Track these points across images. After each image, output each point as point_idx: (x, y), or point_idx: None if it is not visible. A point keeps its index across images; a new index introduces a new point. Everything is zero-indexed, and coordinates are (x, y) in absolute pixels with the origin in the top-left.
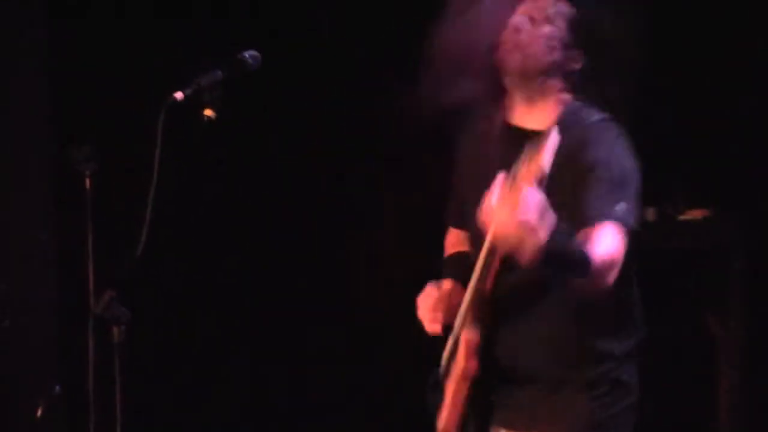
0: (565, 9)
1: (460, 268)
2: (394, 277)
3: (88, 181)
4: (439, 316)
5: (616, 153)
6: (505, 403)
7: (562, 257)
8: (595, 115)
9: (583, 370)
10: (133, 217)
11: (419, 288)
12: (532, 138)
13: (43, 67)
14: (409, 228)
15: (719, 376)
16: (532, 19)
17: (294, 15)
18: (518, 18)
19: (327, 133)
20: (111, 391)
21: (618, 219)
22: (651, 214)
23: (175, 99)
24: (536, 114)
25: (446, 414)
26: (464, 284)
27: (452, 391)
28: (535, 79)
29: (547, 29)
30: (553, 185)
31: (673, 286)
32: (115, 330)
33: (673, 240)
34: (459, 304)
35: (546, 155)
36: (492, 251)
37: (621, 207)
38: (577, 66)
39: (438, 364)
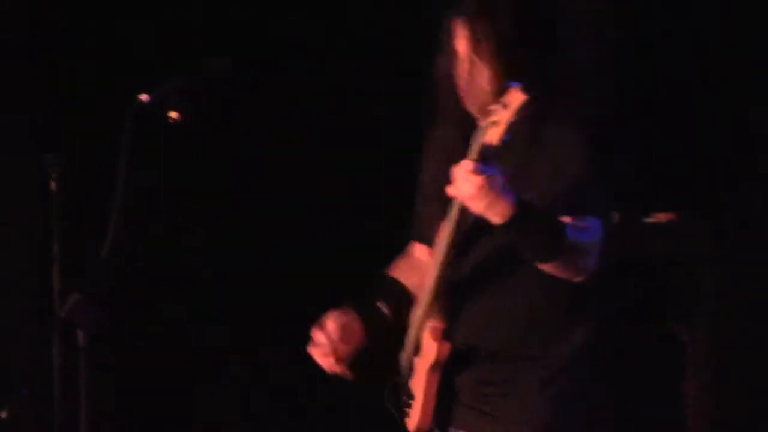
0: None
1: (387, 293)
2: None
3: (53, 184)
4: (332, 359)
5: (579, 144)
6: (464, 402)
7: (535, 221)
8: (559, 113)
9: (536, 365)
10: (100, 219)
11: None
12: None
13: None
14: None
15: (686, 382)
16: (470, 61)
17: (267, 20)
18: (459, 68)
19: (294, 135)
20: (77, 394)
21: (591, 211)
22: (615, 217)
23: (141, 101)
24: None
25: (420, 411)
26: (397, 312)
27: (423, 386)
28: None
29: (481, 74)
30: (525, 177)
31: (639, 291)
32: (81, 334)
33: (639, 244)
34: (357, 341)
35: (511, 109)
36: (454, 236)
37: (593, 198)
38: (536, 62)
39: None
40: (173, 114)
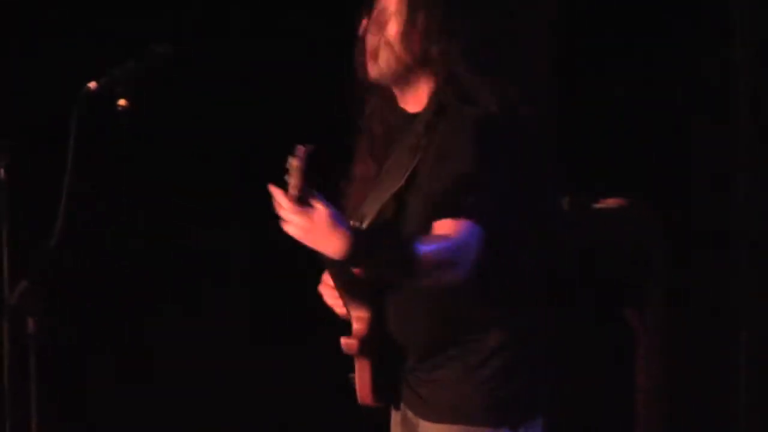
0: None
1: None
2: None
3: (2, 171)
4: (341, 302)
5: (466, 139)
6: (409, 384)
7: (376, 249)
8: (461, 106)
9: (460, 355)
10: (49, 207)
11: None
12: (413, 122)
13: None
14: None
15: (637, 369)
16: (377, 23)
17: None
18: (361, 26)
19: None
20: (26, 383)
21: (464, 213)
22: (565, 203)
23: (89, 89)
24: (411, 101)
25: (359, 387)
26: None
27: (357, 367)
28: (397, 78)
29: (394, 29)
30: (417, 174)
31: (589, 278)
32: (30, 321)
33: (588, 230)
34: None
35: (297, 173)
36: None
37: (467, 199)
38: (454, 51)
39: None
40: (122, 102)
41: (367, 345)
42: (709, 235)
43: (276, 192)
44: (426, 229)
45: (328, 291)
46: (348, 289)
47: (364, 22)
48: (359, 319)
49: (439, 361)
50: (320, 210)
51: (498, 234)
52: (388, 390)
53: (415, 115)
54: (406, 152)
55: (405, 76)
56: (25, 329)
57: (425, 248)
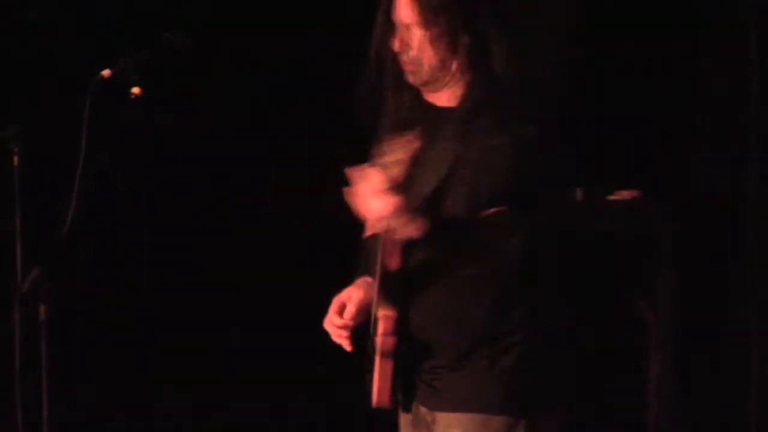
0: None
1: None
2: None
3: (16, 159)
4: (347, 341)
5: (521, 131)
6: (424, 381)
7: (450, 231)
8: (499, 95)
9: (485, 346)
10: (61, 195)
11: None
12: (445, 115)
13: None
14: None
15: (648, 359)
16: (403, 41)
17: None
18: (395, 41)
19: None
20: (38, 369)
21: (518, 198)
22: (578, 194)
23: (102, 77)
24: (444, 97)
25: (378, 388)
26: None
27: (379, 367)
28: (436, 79)
29: (420, 39)
30: (460, 162)
31: (601, 268)
32: (42, 308)
33: (601, 221)
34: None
35: (399, 157)
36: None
37: (523, 186)
38: (483, 40)
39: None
40: (135, 90)
41: (397, 343)
42: (719, 225)
43: (364, 173)
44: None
45: (334, 329)
46: (385, 284)
47: (378, 35)
48: (387, 318)
49: (463, 355)
50: (401, 198)
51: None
52: (406, 390)
53: (447, 110)
54: (445, 144)
55: (443, 76)
56: (37, 317)
57: (491, 232)
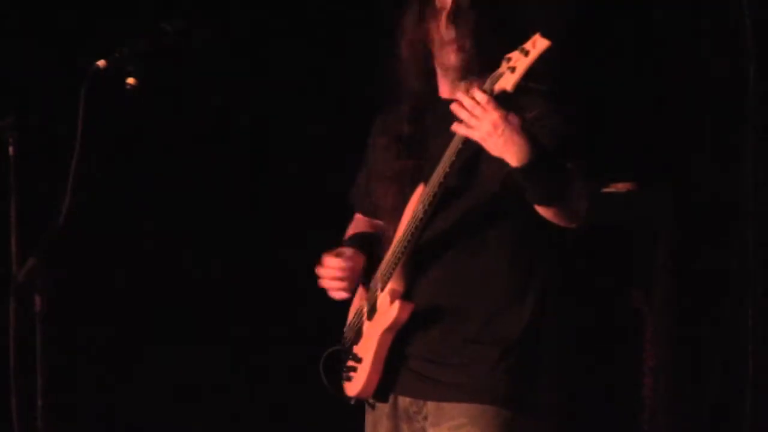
0: None
1: (361, 242)
2: None
3: (11, 149)
4: (345, 283)
5: (565, 113)
6: (411, 369)
7: (550, 161)
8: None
9: (496, 336)
10: (57, 184)
11: None
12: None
13: None
14: None
15: (644, 351)
16: (441, 42)
17: None
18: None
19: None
20: (33, 360)
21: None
22: None
23: (98, 67)
24: (469, 86)
25: (366, 375)
26: (367, 255)
27: (374, 349)
28: (470, 66)
29: (470, 18)
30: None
31: (597, 260)
32: (37, 299)
33: (597, 213)
34: (360, 271)
35: (536, 52)
36: (432, 197)
37: (581, 148)
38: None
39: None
40: (131, 80)
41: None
42: (716, 216)
43: (465, 95)
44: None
45: (328, 271)
46: (410, 251)
47: (411, 20)
48: (395, 292)
49: (468, 341)
50: (513, 114)
51: None
52: (387, 380)
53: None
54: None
55: (476, 66)
56: (33, 307)
57: (576, 176)
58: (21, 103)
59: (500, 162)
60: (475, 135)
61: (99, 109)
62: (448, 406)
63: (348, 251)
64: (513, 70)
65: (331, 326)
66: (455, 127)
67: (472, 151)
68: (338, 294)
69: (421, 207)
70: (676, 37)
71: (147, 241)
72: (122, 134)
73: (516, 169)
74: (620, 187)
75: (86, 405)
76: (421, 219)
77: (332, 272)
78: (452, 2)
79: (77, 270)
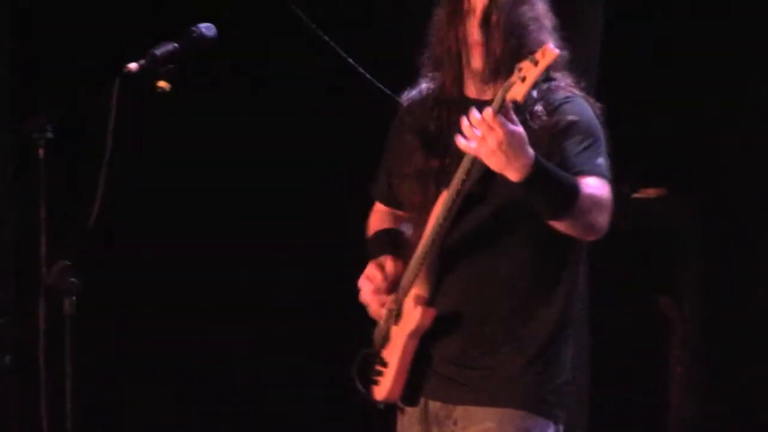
0: None
1: (389, 245)
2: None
3: (42, 151)
4: (385, 299)
5: (588, 113)
6: (440, 373)
7: (552, 176)
8: (557, 79)
9: (517, 345)
10: (87, 187)
11: None
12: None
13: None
14: None
15: (672, 357)
16: (474, 43)
17: None
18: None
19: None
20: (62, 362)
21: (601, 173)
22: None
23: (129, 70)
24: (495, 87)
25: (392, 379)
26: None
27: (400, 353)
28: (497, 69)
29: (504, 20)
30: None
31: (627, 266)
32: (67, 301)
33: (627, 219)
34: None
35: (545, 63)
36: (453, 201)
37: (601, 162)
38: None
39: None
40: (162, 83)
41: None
42: (744, 225)
43: (476, 110)
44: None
45: (369, 286)
46: (434, 255)
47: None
48: (419, 297)
49: (495, 345)
50: (520, 129)
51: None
52: (416, 384)
53: (487, 102)
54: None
55: (504, 68)
56: (62, 309)
57: (587, 188)
58: (51, 105)
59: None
60: (478, 152)
61: (130, 112)
62: (476, 410)
63: (389, 263)
64: (524, 79)
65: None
66: (458, 141)
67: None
68: (376, 312)
69: (442, 213)
70: (705, 44)
71: (175, 244)
72: (152, 137)
73: (518, 185)
74: (651, 192)
75: (114, 407)
76: (442, 225)
77: (377, 286)
78: (482, 6)
79: (106, 273)
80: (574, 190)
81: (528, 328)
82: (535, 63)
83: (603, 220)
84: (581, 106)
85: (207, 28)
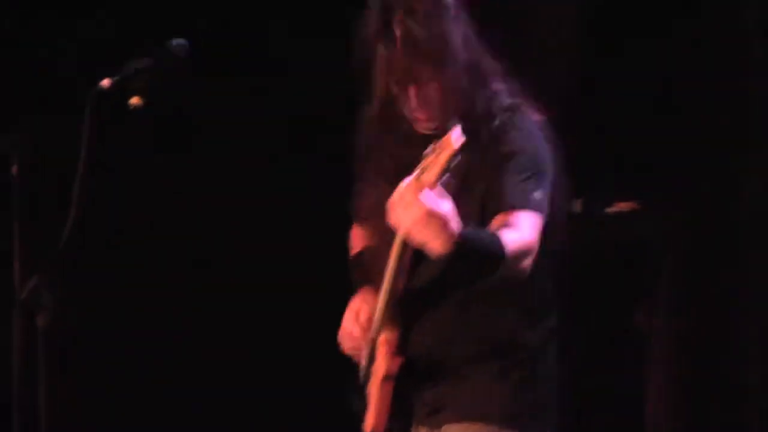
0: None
1: (368, 267)
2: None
3: (14, 167)
4: (365, 353)
5: (531, 142)
6: (424, 401)
7: (474, 248)
8: (507, 103)
9: (497, 359)
10: (61, 203)
11: None
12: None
13: None
14: None
15: (647, 371)
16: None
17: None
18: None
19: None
20: (35, 377)
21: (533, 207)
22: (578, 205)
23: (102, 87)
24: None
25: (374, 416)
26: (375, 285)
27: (377, 394)
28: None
29: (420, 91)
30: (471, 175)
31: (601, 280)
32: (40, 317)
33: (601, 232)
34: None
35: (446, 154)
36: (403, 248)
37: (536, 195)
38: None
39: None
40: (135, 100)
41: (401, 365)
42: (719, 239)
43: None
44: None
45: (349, 340)
46: (391, 305)
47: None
48: (391, 339)
49: (468, 372)
50: (448, 203)
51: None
52: (404, 412)
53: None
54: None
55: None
56: (36, 325)
57: (512, 243)
58: (24, 122)
59: (473, 202)
60: (399, 225)
61: (104, 129)
62: (453, 428)
63: (364, 311)
64: (430, 167)
65: None
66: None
67: None
68: (352, 352)
69: (393, 264)
70: (680, 56)
71: (151, 258)
72: (126, 153)
73: (437, 259)
74: (624, 206)
75: (91, 421)
76: (397, 276)
77: (356, 345)
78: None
79: (81, 287)
80: (498, 256)
81: (500, 345)
82: (439, 151)
83: (527, 264)
84: (526, 133)
85: (180, 44)
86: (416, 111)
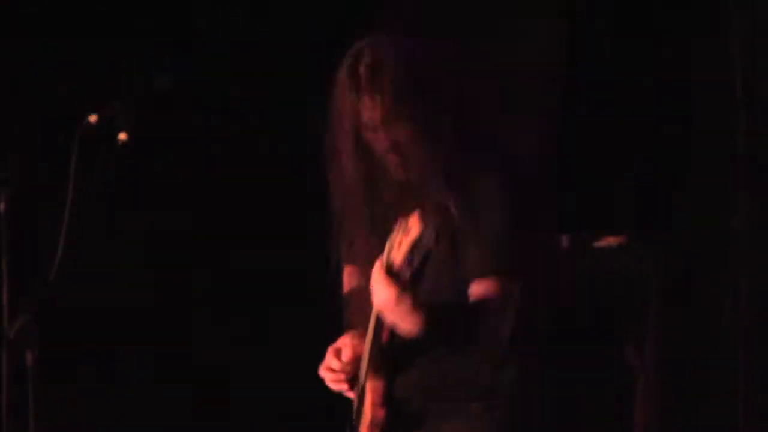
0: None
1: (356, 310)
2: None
3: (2, 204)
4: (346, 386)
5: (494, 202)
6: None
7: (442, 325)
8: (476, 163)
9: (475, 402)
10: (49, 238)
11: None
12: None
13: None
14: None
15: (636, 407)
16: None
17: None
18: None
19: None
20: (25, 414)
21: (498, 273)
22: (565, 241)
23: (89, 122)
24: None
25: None
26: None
27: None
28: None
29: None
30: (456, 235)
31: (588, 315)
32: (29, 354)
33: (588, 267)
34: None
35: (404, 247)
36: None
37: (500, 261)
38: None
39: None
40: (122, 136)
41: (386, 414)
42: (706, 270)
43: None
44: (454, 286)
45: (330, 375)
46: (375, 356)
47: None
48: (376, 388)
49: (449, 416)
50: (405, 293)
51: (525, 284)
52: None
53: (418, 185)
54: (422, 217)
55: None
56: (24, 362)
57: (481, 310)
58: (11, 158)
59: (450, 262)
60: (375, 305)
61: (92, 164)
62: None
63: (346, 351)
64: (399, 245)
65: None
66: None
67: None
68: (336, 388)
69: (373, 318)
70: (663, 84)
71: (139, 297)
72: (115, 188)
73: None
74: (611, 241)
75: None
76: (375, 326)
77: (338, 376)
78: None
79: (69, 325)
80: (466, 327)
81: (475, 394)
82: (405, 231)
83: (502, 331)
84: (487, 196)
85: (165, 79)
86: (388, 154)
